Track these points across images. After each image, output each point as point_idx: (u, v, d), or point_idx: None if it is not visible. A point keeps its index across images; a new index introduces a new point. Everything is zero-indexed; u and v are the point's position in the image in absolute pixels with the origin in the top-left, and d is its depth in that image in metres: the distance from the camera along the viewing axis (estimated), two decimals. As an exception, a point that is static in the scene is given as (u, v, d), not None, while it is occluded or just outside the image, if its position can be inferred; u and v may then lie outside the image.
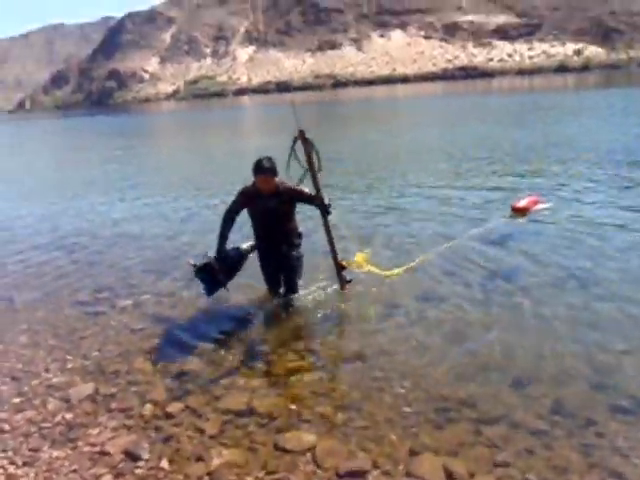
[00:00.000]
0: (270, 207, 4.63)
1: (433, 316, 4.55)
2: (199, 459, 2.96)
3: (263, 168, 4.49)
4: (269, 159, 4.53)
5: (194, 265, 4.73)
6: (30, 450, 3.15)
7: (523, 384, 3.48)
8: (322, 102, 63.27)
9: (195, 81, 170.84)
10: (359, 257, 4.74)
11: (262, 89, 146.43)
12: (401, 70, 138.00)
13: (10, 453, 3.13)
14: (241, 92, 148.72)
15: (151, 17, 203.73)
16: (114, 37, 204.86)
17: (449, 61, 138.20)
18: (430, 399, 3.38)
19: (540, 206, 7.38)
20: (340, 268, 4.84)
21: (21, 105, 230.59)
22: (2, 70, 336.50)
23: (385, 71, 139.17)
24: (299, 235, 4.94)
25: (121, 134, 35.06)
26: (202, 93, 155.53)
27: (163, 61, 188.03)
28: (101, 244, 7.68)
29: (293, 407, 3.39)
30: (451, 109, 35.91)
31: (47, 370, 4.11)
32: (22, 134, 49.13)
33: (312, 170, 4.51)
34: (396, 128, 24.43)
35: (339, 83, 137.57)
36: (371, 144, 18.23)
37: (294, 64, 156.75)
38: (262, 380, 3.75)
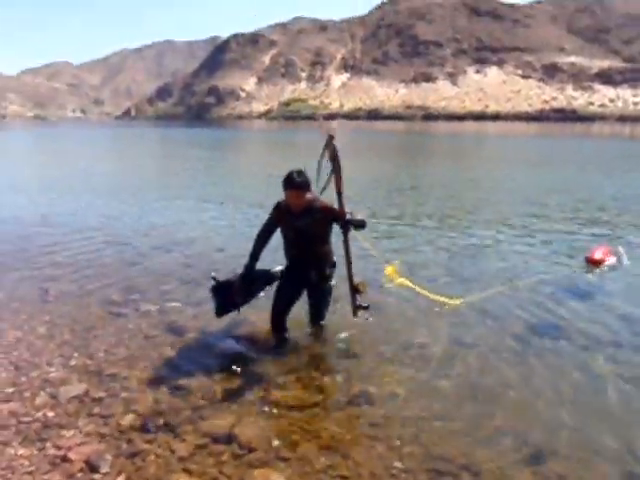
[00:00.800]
0: (299, 226, 4.21)
1: (458, 363, 4.14)
2: (157, 485, 2.76)
3: (293, 182, 4.08)
4: (300, 172, 4.11)
5: (214, 279, 4.45)
6: (1, 444, 3.07)
7: (539, 460, 3.02)
8: (410, 132, 62.88)
9: (288, 103, 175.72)
10: (389, 269, 4.35)
11: (352, 115, 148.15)
12: (494, 107, 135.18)
13: (-20, 443, 3.07)
14: (331, 117, 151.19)
15: (254, 39, 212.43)
16: (218, 55, 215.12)
17: (545, 102, 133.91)
18: (427, 458, 3.00)
19: (615, 259, 6.74)
20: (354, 291, 4.42)
21: (127, 112, 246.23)
22: (116, 79, 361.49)
23: (477, 107, 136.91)
24: (333, 264, 4.45)
25: (210, 146, 36.22)
26: (293, 115, 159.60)
27: (260, 81, 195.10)
28: (151, 247, 7.77)
29: (276, 442, 3.13)
30: (541, 151, 34.53)
31: (50, 364, 4.07)
32: (123, 139, 52.03)
33: (337, 174, 4.14)
34: (479, 164, 23.70)
35: (430, 115, 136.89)
36: (451, 178, 17.72)
37: (386, 93, 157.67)
38: (253, 408, 3.49)
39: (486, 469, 2.91)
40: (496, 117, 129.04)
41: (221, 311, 4.52)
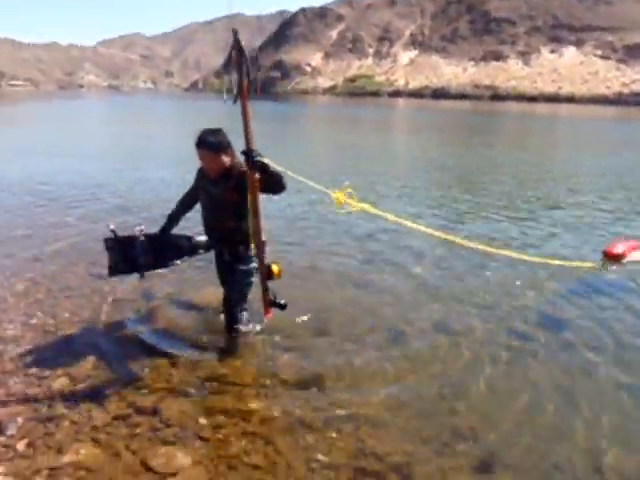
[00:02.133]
0: (213, 194, 3.56)
1: (425, 351, 3.84)
2: (59, 450, 2.65)
3: (201, 140, 3.42)
4: (215, 131, 3.46)
5: (113, 232, 3.75)
6: None
7: (488, 469, 2.71)
8: (477, 112, 60.68)
9: (353, 79, 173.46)
10: (337, 194, 3.07)
11: (417, 93, 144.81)
12: (568, 89, 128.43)
13: None
14: (396, 94, 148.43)
15: (322, 13, 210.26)
16: (285, 30, 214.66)
17: (625, 85, 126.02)
18: (358, 454, 2.72)
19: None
20: (267, 275, 3.55)
21: (194, 85, 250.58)
22: (186, 51, 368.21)
23: (550, 88, 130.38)
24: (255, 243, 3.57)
25: (272, 119, 36.16)
26: (358, 91, 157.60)
27: (326, 56, 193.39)
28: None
29: (202, 421, 2.95)
30: (616, 135, 32.44)
31: (11, 321, 4.06)
32: (191, 110, 52.93)
33: (242, 94, 3.27)
34: (544, 147, 22.49)
35: (498, 96, 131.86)
36: (508, 160, 16.91)
37: (454, 72, 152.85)
38: (189, 386, 3.30)
39: (422, 471, 2.64)
40: (570, 99, 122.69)
41: (114, 271, 3.92)
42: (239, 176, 3.45)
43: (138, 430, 2.85)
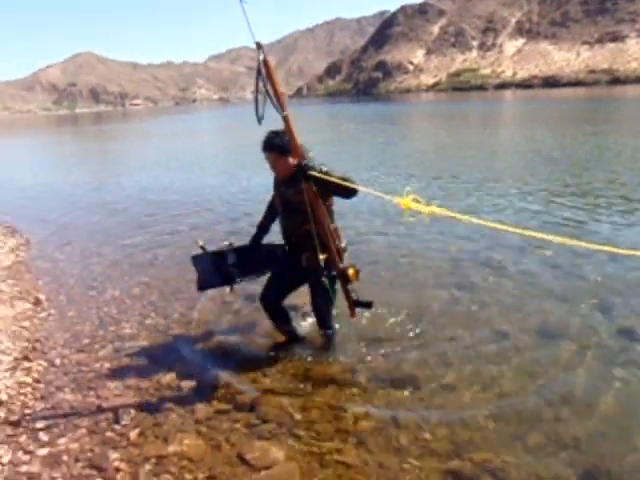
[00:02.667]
0: (286, 197, 3.47)
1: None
2: (165, 440, 2.86)
3: (264, 143, 3.40)
4: (279, 133, 3.35)
5: (202, 248, 3.80)
6: (56, 388, 3.42)
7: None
8: (594, 98, 56.65)
9: (457, 74, 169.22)
10: (404, 200, 2.63)
11: (526, 84, 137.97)
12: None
13: (41, 385, 3.45)
14: (502, 86, 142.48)
15: (422, 9, 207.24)
16: (386, 29, 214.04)
17: None
18: (452, 455, 2.69)
19: None
20: (344, 279, 3.46)
21: (299, 91, 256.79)
22: (289, 59, 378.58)
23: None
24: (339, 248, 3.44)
25: (372, 120, 36.18)
26: (462, 86, 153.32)
27: (428, 53, 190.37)
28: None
29: (297, 417, 3.05)
30: None
31: (127, 321, 4.43)
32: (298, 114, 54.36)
33: (283, 107, 3.10)
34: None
35: (617, 80, 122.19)
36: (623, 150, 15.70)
37: (566, 58, 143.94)
38: (285, 382, 3.44)
39: None
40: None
41: (203, 286, 3.97)
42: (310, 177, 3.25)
43: (237, 425, 3.00)
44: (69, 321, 4.50)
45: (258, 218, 3.90)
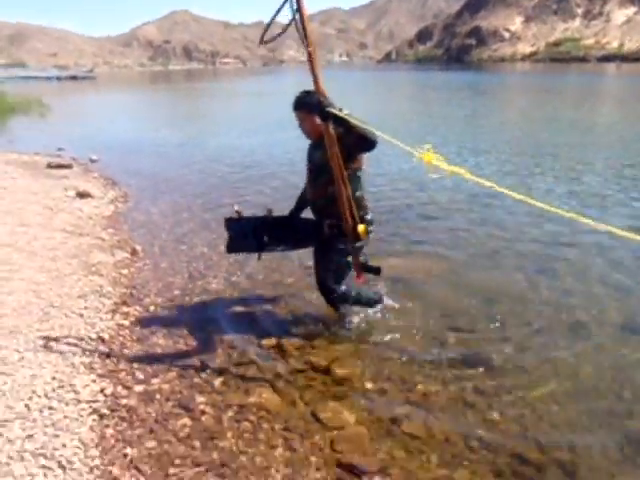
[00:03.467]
0: (314, 160, 3.44)
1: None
2: (245, 392, 3.10)
3: (296, 103, 3.35)
4: (310, 92, 3.23)
5: (238, 213, 3.79)
6: (150, 332, 3.74)
7: None
8: None
9: (557, 43, 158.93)
10: (425, 156, 2.51)
11: (634, 57, 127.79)
12: None
13: (137, 328, 3.78)
14: (607, 59, 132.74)
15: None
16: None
17: None
18: (517, 443, 2.72)
19: None
20: (353, 236, 3.33)
21: (388, 56, 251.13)
22: (380, 22, 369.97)
23: None
24: (359, 215, 3.34)
25: (461, 89, 35.01)
26: (561, 57, 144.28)
27: (527, 20, 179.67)
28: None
29: (369, 385, 3.19)
30: None
31: (215, 277, 4.71)
32: (383, 82, 53.63)
33: (308, 41, 2.99)
34: None
35: None
36: None
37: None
38: (367, 348, 3.60)
39: (588, 472, 2.56)
40: None
41: (232, 249, 3.99)
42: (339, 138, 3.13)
43: (312, 384, 3.18)
44: (162, 272, 4.84)
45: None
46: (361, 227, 3.33)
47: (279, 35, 3.14)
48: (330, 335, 3.73)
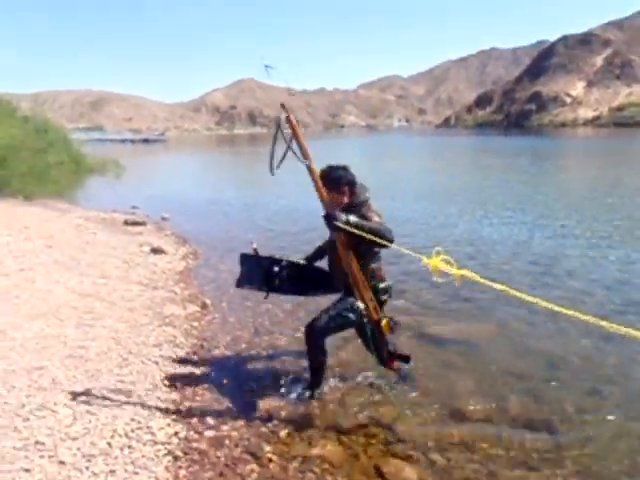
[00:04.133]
0: (331, 234, 3.55)
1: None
2: (310, 443, 3.21)
3: (322, 174, 3.49)
4: (335, 168, 3.52)
5: (255, 250, 3.91)
6: (219, 383, 3.93)
7: None
8: None
9: (620, 108, 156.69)
10: (432, 260, 2.72)
11: None
12: None
13: (207, 378, 3.99)
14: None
15: (585, 40, 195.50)
16: (543, 60, 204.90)
17: None
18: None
19: None
20: (376, 325, 3.48)
21: (447, 121, 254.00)
22: (439, 89, 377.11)
23: None
24: (375, 289, 3.50)
25: (519, 154, 34.84)
26: (626, 121, 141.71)
27: (589, 85, 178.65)
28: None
29: (430, 444, 3.24)
30: None
31: (281, 333, 4.92)
32: (442, 146, 54.31)
33: (309, 160, 3.34)
34: None
35: None
36: None
37: None
38: (427, 410, 3.67)
39: None
40: None
41: (241, 283, 4.07)
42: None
43: (374, 440, 3.26)
44: (230, 326, 5.09)
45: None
46: (384, 322, 3.46)
47: (281, 161, 3.46)
48: (393, 392, 3.82)
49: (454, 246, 8.20)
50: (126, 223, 10.04)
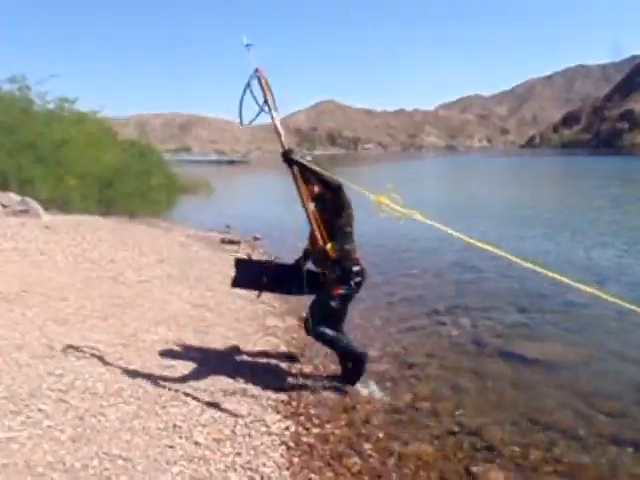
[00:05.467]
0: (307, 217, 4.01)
1: None
2: (405, 442, 3.59)
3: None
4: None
5: (248, 256, 4.57)
6: (322, 388, 4.38)
7: None
8: None
9: None
10: (378, 198, 3.23)
11: None
12: None
13: (309, 381, 4.45)
14: None
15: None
16: (636, 77, 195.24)
17: None
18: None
19: None
20: (324, 252, 3.96)
21: (531, 141, 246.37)
22: (523, 107, 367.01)
23: None
24: (343, 269, 3.96)
25: (612, 178, 33.36)
26: None
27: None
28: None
29: (515, 449, 3.53)
30: None
31: (371, 347, 5.31)
32: (533, 168, 53.05)
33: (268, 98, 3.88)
34: None
35: None
36: None
37: None
38: (515, 415, 3.96)
39: None
40: None
41: (235, 284, 4.68)
42: (328, 200, 3.94)
43: (464, 444, 3.60)
44: (326, 338, 5.56)
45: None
46: (329, 245, 3.88)
47: (257, 116, 4.04)
48: (481, 398, 4.14)
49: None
50: (223, 241, 10.84)
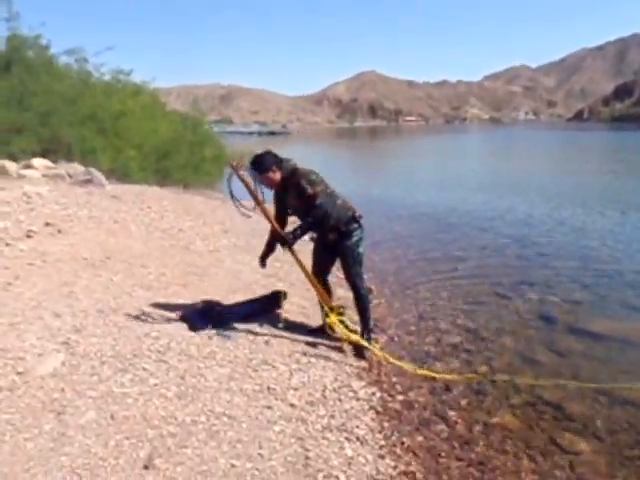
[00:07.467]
0: (287, 201, 4.47)
1: None
2: (488, 412, 3.70)
3: (249, 166, 4.38)
4: (260, 155, 4.39)
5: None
6: (398, 357, 4.52)
7: None
8: None
9: None
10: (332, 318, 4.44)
11: None
12: None
13: (386, 351, 4.60)
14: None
15: None
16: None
17: None
18: None
19: None
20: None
21: (579, 114, 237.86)
22: (571, 79, 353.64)
23: None
24: (348, 220, 4.38)
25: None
26: None
27: None
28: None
29: (598, 423, 3.60)
30: None
31: (441, 319, 5.44)
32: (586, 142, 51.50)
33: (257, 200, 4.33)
34: None
35: None
36: None
37: None
38: (590, 392, 4.02)
39: None
40: None
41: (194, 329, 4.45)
42: (293, 186, 4.29)
43: (545, 416, 3.69)
44: (395, 311, 5.69)
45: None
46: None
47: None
48: (556, 372, 4.22)
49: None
50: (279, 213, 10.98)
